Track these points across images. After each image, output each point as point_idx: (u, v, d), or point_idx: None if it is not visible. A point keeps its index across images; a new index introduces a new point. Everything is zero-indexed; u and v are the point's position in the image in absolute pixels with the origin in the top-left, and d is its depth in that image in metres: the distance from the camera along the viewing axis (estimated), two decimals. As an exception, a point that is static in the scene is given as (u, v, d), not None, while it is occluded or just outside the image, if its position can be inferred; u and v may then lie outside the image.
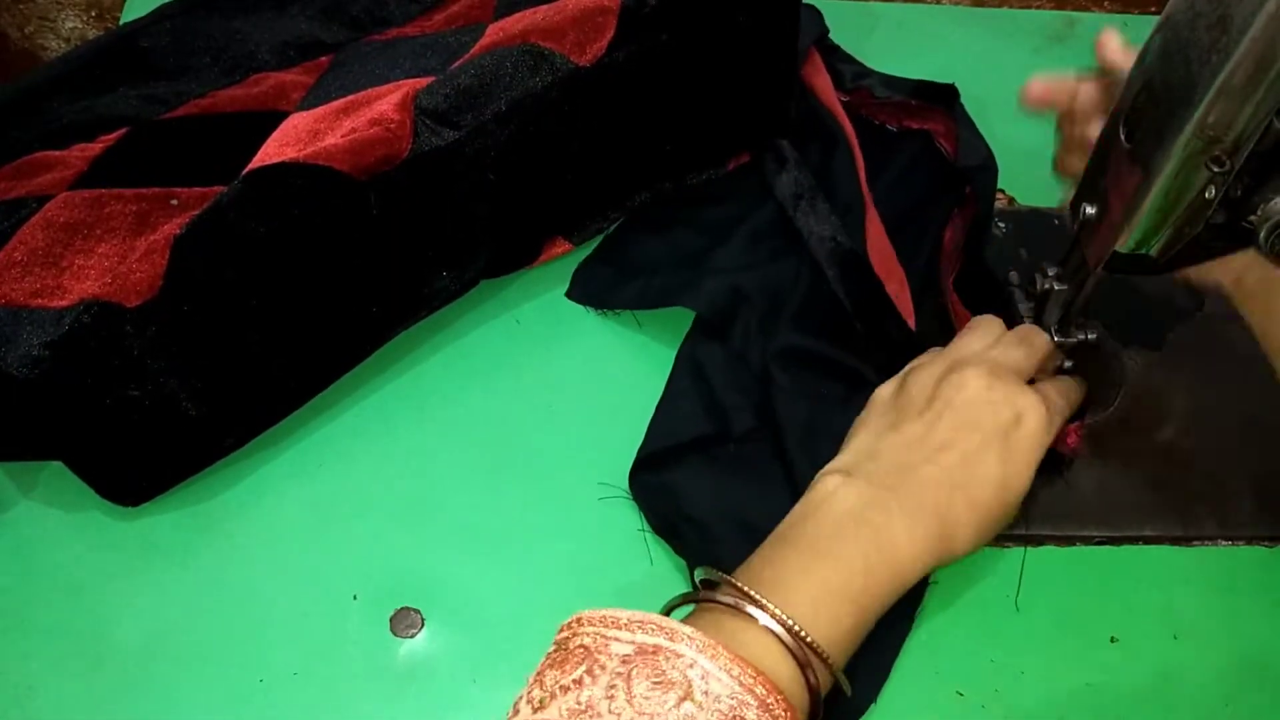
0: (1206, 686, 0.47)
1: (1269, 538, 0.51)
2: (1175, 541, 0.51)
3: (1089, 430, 0.54)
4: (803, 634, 0.35)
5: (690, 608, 0.39)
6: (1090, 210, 0.45)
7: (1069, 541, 0.51)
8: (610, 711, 0.32)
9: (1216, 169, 0.38)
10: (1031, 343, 0.46)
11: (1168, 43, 0.38)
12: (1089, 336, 0.48)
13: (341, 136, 0.47)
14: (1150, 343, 0.57)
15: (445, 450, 0.53)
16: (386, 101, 0.49)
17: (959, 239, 0.58)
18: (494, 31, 0.53)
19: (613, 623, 0.34)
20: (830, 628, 0.36)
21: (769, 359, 0.53)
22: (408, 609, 0.48)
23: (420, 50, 0.56)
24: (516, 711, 0.34)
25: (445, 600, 0.49)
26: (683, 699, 0.32)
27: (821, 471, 0.42)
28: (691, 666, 0.33)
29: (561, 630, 0.36)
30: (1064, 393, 0.46)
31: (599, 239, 0.60)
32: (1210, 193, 0.39)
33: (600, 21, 0.51)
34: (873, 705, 0.46)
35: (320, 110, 0.50)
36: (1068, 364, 0.49)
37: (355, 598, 0.49)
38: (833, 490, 0.40)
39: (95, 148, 0.52)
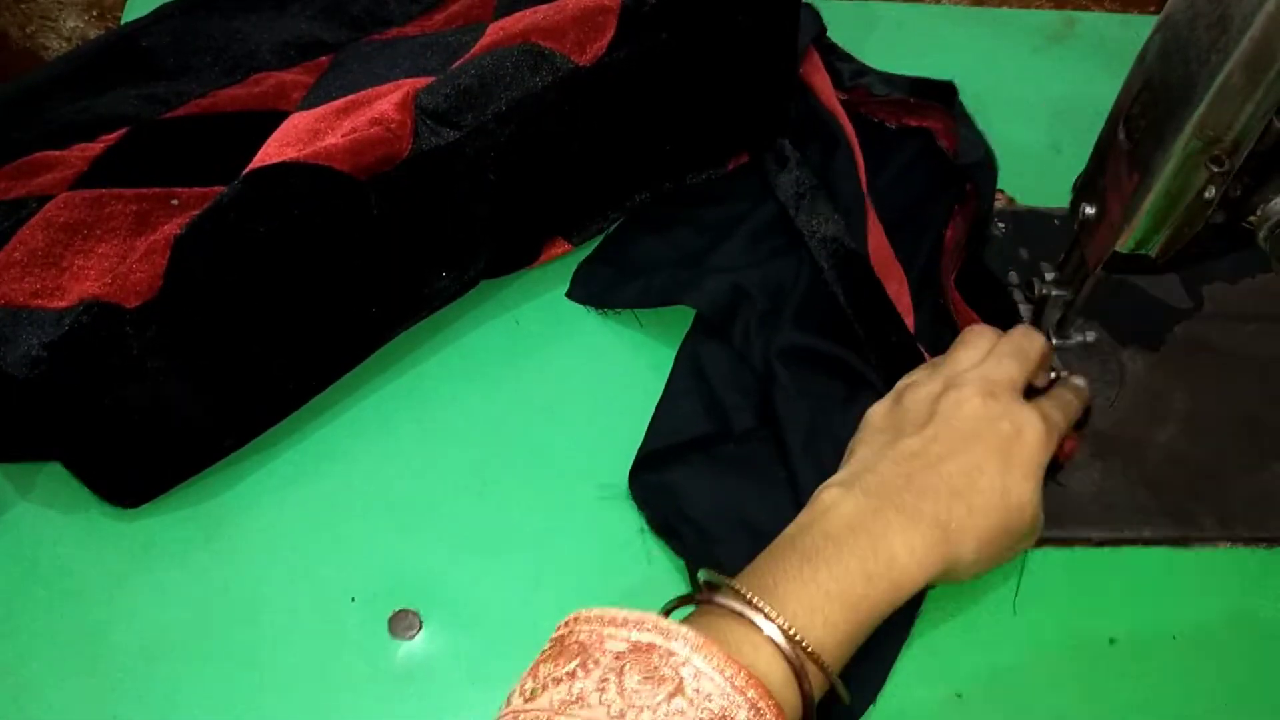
0: (1206, 687, 0.47)
1: (1269, 538, 0.51)
2: (1175, 542, 0.51)
3: (1089, 430, 0.54)
4: (799, 639, 0.36)
5: (689, 608, 0.39)
6: (1090, 210, 0.45)
7: (1068, 543, 0.51)
8: (601, 702, 0.32)
9: (1216, 169, 0.38)
10: (1026, 352, 0.46)
11: (1167, 42, 0.38)
12: (1087, 338, 0.48)
13: (342, 136, 0.47)
14: (1150, 343, 0.57)
15: (445, 451, 0.53)
16: (387, 101, 0.49)
17: (960, 237, 0.58)
18: (494, 31, 0.53)
19: (609, 621, 0.35)
20: (826, 633, 0.37)
21: (771, 357, 0.53)
22: (406, 611, 0.48)
23: (420, 50, 0.56)
24: (508, 702, 0.34)
25: (444, 602, 0.49)
26: (673, 694, 0.32)
27: (822, 485, 0.42)
28: (685, 664, 0.33)
29: (559, 628, 0.36)
30: (1062, 407, 0.46)
31: (599, 239, 0.60)
32: (1210, 193, 0.39)
33: (600, 21, 0.51)
34: (871, 707, 0.46)
35: (320, 110, 0.50)
36: (1063, 373, 0.49)
37: (353, 599, 0.49)
38: (833, 502, 0.40)
39: (95, 147, 0.52)
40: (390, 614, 0.48)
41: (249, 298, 0.47)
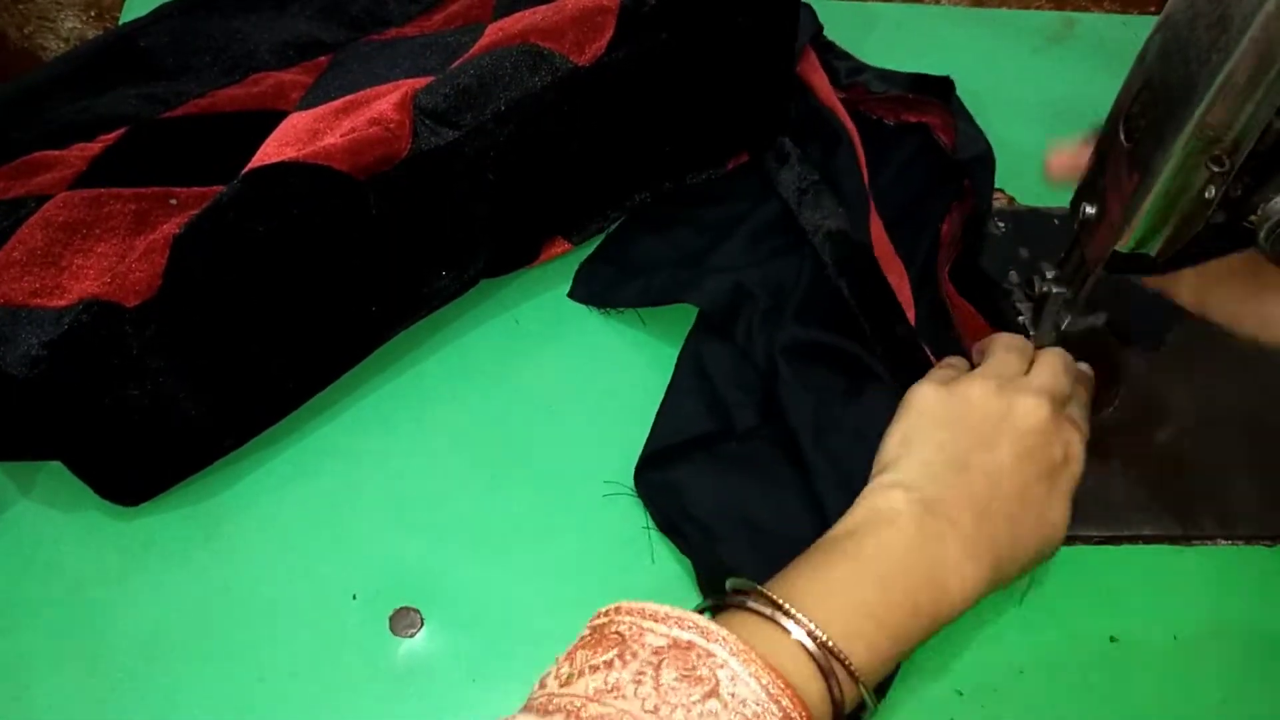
0: (1206, 686, 0.47)
1: (1269, 538, 0.51)
2: (1175, 541, 0.51)
3: (1089, 430, 0.54)
4: (836, 650, 0.35)
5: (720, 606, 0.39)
6: (1090, 210, 0.45)
7: (1069, 541, 0.51)
8: (636, 695, 0.32)
9: (1216, 169, 0.38)
10: (1079, 377, 0.46)
11: (1167, 42, 0.38)
12: (1098, 322, 0.48)
13: (341, 136, 0.47)
14: (1150, 343, 0.57)
15: (445, 450, 0.53)
16: (386, 101, 0.49)
17: (956, 231, 0.58)
18: (493, 31, 0.53)
19: (650, 615, 0.35)
20: (867, 654, 0.36)
21: (774, 353, 0.53)
22: (407, 608, 0.48)
23: (419, 50, 0.56)
24: (543, 685, 0.34)
25: (445, 600, 0.49)
26: (708, 695, 0.32)
27: (881, 480, 0.41)
28: (722, 667, 0.33)
29: (597, 616, 0.36)
30: (1083, 406, 0.46)
31: (599, 239, 0.60)
32: (1210, 193, 0.39)
33: (599, 21, 0.51)
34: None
35: (320, 110, 0.50)
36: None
37: (354, 597, 0.49)
38: (897, 510, 0.39)
39: (94, 147, 0.52)
40: (391, 612, 0.48)
41: (248, 297, 0.47)
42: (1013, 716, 0.46)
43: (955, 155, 0.59)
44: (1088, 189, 0.45)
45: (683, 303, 0.56)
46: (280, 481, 0.52)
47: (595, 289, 0.59)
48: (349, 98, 0.51)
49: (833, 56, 0.66)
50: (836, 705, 0.35)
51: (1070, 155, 0.46)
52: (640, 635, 0.34)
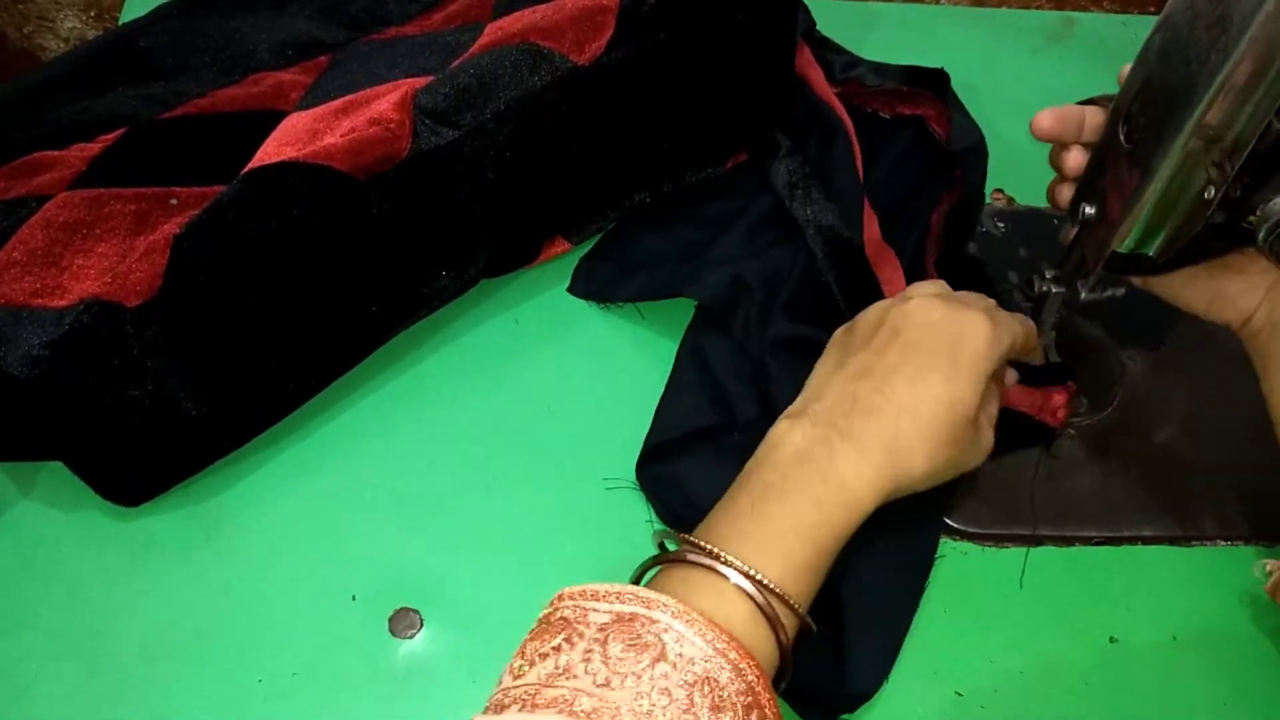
0: (1206, 687, 0.47)
1: (1269, 538, 0.51)
2: (1174, 541, 0.51)
3: (1089, 430, 0.54)
4: (762, 580, 0.36)
5: (658, 569, 0.40)
6: (1089, 210, 0.45)
7: (1068, 542, 0.51)
8: (587, 672, 0.33)
9: (1216, 169, 0.38)
10: (997, 308, 0.46)
11: (1167, 42, 0.38)
12: (1117, 293, 0.47)
13: (341, 136, 0.47)
14: (1150, 343, 0.57)
15: (445, 450, 0.53)
16: (386, 101, 0.49)
17: (944, 222, 0.58)
18: (493, 30, 0.53)
19: (592, 595, 0.35)
20: (785, 565, 0.37)
21: (765, 347, 0.53)
22: (407, 609, 0.48)
23: (419, 49, 0.56)
24: (500, 684, 0.35)
25: (444, 600, 0.49)
26: (657, 660, 0.33)
27: (778, 419, 0.43)
28: (666, 631, 0.34)
29: (545, 607, 0.37)
30: (1009, 321, 0.45)
31: (598, 237, 0.60)
32: (1210, 193, 0.39)
33: (599, 20, 0.51)
34: (872, 703, 0.46)
35: (319, 110, 0.50)
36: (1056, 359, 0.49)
37: (354, 598, 0.49)
38: (782, 435, 0.41)
39: (94, 147, 0.52)
40: (391, 613, 0.48)
41: (248, 297, 0.47)
42: (1013, 717, 0.46)
43: (950, 147, 0.59)
44: (1088, 189, 0.45)
45: (681, 297, 0.56)
46: (280, 481, 0.52)
47: (594, 285, 0.59)
48: (349, 98, 0.51)
49: (827, 51, 0.66)
50: (781, 643, 0.37)
51: (1058, 116, 0.46)
52: (584, 616, 0.35)
